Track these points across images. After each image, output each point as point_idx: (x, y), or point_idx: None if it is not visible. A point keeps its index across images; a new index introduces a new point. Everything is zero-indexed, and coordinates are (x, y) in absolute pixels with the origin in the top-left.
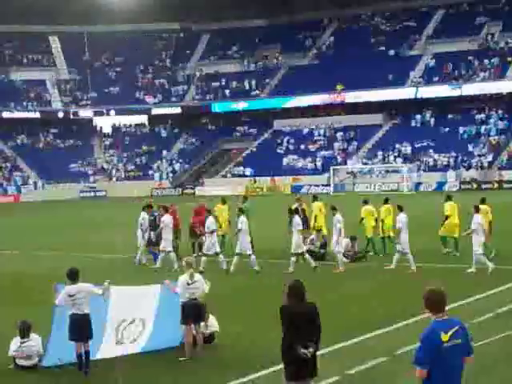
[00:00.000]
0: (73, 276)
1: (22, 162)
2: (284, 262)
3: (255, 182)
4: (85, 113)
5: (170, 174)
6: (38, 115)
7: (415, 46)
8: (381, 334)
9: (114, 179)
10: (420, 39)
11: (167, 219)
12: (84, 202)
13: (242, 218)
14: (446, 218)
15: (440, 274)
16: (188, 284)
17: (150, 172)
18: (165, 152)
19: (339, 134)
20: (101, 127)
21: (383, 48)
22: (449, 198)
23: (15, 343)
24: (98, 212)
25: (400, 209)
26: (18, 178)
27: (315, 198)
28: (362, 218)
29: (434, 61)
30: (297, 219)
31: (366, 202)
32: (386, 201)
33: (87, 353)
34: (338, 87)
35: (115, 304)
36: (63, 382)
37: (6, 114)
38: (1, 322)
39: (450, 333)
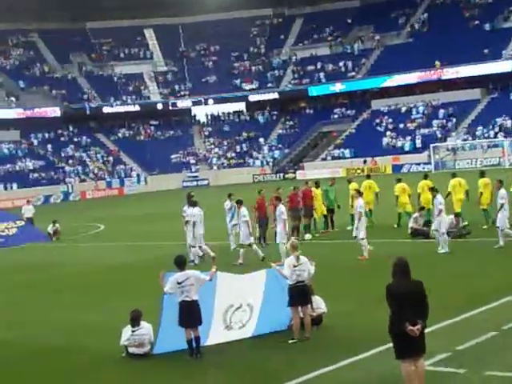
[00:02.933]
0: (180, 264)
1: (125, 155)
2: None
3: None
4: (183, 103)
5: (271, 160)
6: (137, 108)
7: (511, 17)
8: (488, 309)
9: (216, 167)
10: None
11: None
12: (187, 191)
13: (244, 210)
14: None
15: None
16: (294, 266)
17: (251, 159)
18: (264, 138)
19: (437, 111)
20: (199, 117)
21: (477, 22)
22: None
23: (127, 332)
24: (203, 200)
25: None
26: (121, 171)
27: (426, 176)
28: (449, 193)
29: None
30: (281, 208)
31: (454, 175)
32: (483, 174)
33: (198, 339)
34: (437, 64)
35: (222, 290)
36: (175, 368)
37: (106, 109)
38: (114, 313)
39: None
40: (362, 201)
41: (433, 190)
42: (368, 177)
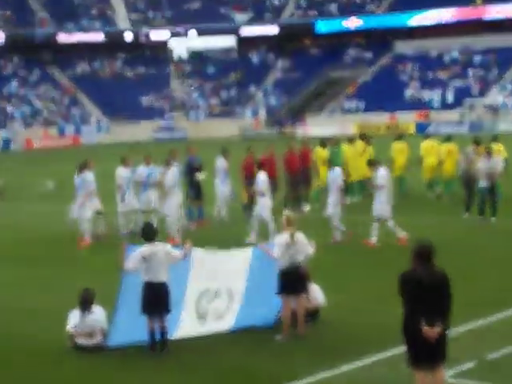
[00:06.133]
0: (149, 233)
1: (83, 95)
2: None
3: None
4: (158, 35)
5: (264, 111)
6: (101, 38)
7: None
8: None
9: (195, 117)
10: None
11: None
12: (159, 144)
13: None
14: None
15: None
16: (288, 245)
17: (240, 108)
18: (257, 83)
19: (476, 59)
20: (178, 52)
21: None
22: None
23: (74, 317)
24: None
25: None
26: (77, 116)
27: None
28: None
29: None
30: (261, 176)
31: (477, 143)
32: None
33: (163, 330)
34: (478, 0)
35: (197, 270)
36: (132, 366)
37: (63, 37)
38: (59, 294)
39: None
40: (384, 170)
41: (371, 164)
42: (399, 137)
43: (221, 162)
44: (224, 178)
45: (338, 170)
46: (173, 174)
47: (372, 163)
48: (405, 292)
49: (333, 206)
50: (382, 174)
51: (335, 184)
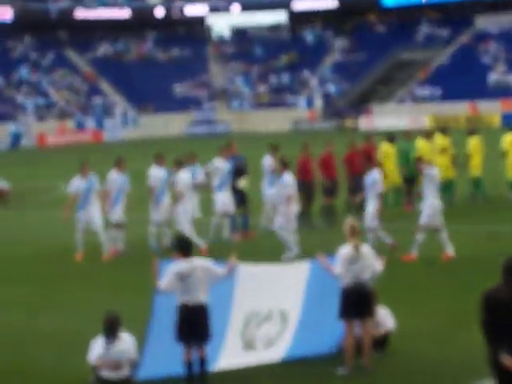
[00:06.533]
0: (185, 247)
1: (106, 82)
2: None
3: None
4: (195, 9)
5: (321, 100)
6: (127, 14)
7: None
8: None
9: (239, 107)
10: None
11: None
12: (195, 141)
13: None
14: None
15: None
16: (352, 260)
17: (292, 97)
18: (312, 67)
19: None
20: (218, 31)
21: None
22: None
23: (98, 346)
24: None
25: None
26: (99, 107)
27: None
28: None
29: None
30: (286, 177)
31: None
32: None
33: (203, 361)
34: None
35: (244, 289)
36: None
37: (81, 13)
38: (79, 318)
39: None
40: (435, 169)
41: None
42: (473, 132)
43: (268, 161)
44: (272, 181)
45: (376, 172)
46: (183, 178)
47: (419, 160)
48: (488, 314)
49: (372, 218)
50: (434, 174)
51: (374, 189)
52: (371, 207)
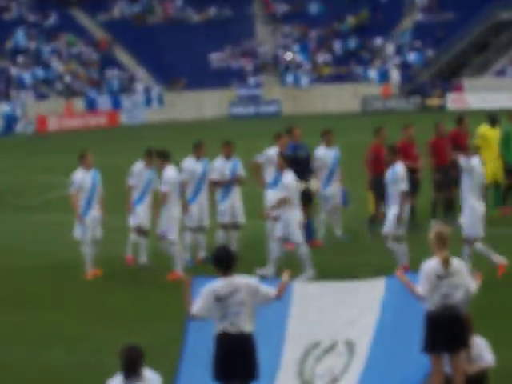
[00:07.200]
0: (227, 262)
1: (122, 50)
2: None
3: None
4: None
5: (398, 72)
6: None
7: None
8: None
9: (294, 82)
10: None
11: None
12: (238, 124)
13: None
14: None
15: None
16: (439, 277)
17: (360, 68)
18: (386, 30)
19: None
20: None
21: None
22: None
23: None
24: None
25: None
26: (115, 82)
27: None
28: None
29: None
30: (397, 168)
31: None
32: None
33: None
34: None
35: (301, 314)
36: None
37: None
38: (92, 350)
39: None
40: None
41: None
42: None
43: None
44: (330, 177)
45: (400, 166)
46: (169, 176)
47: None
48: None
49: (391, 223)
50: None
51: (396, 188)
52: (393, 211)
